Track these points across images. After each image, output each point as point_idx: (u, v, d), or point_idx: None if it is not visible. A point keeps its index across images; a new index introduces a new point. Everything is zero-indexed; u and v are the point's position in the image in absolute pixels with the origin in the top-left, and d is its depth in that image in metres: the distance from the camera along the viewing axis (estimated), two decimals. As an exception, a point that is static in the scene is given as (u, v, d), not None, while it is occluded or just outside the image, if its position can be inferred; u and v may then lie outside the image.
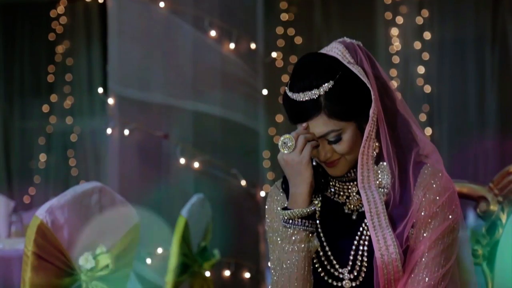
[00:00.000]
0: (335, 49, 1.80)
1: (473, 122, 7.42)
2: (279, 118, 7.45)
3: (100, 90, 5.01)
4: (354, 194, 1.83)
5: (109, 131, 4.70)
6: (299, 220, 1.77)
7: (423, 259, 1.75)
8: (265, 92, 4.83)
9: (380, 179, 1.79)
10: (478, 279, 1.95)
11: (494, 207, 2.22)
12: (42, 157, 8.11)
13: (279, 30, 7.64)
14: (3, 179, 7.99)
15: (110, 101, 4.68)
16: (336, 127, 1.75)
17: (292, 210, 1.77)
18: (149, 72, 4.58)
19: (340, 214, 1.84)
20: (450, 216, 1.77)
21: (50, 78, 8.11)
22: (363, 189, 1.77)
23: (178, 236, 3.79)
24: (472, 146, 7.41)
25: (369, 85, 1.76)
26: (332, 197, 1.86)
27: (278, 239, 1.82)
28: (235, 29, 4.61)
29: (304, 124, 1.76)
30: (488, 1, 7.37)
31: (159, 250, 4.42)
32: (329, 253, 1.81)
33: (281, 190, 1.88)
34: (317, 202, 1.85)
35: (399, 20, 7.52)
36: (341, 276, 1.80)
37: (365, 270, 1.78)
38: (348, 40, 1.84)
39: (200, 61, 4.56)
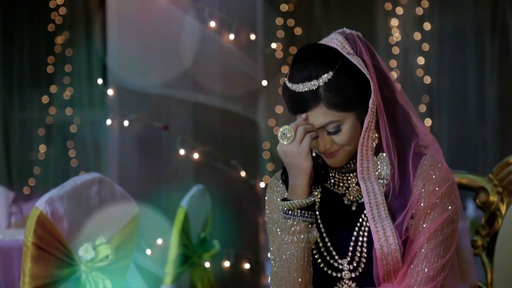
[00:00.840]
0: (334, 40, 1.80)
1: (472, 113, 7.43)
2: (279, 109, 7.45)
3: (100, 81, 5.00)
4: (354, 185, 1.83)
5: (108, 122, 4.70)
6: (299, 211, 1.77)
7: (423, 250, 1.75)
8: (264, 83, 4.82)
9: (379, 170, 1.79)
10: (477, 269, 1.95)
11: (493, 198, 2.22)
12: (42, 148, 8.11)
13: (279, 21, 7.63)
14: (2, 170, 7.99)
15: (110, 92, 4.68)
16: (336, 118, 1.74)
17: (291, 201, 1.77)
18: (148, 63, 4.58)
19: (339, 205, 1.84)
20: (450, 207, 1.77)
21: (50, 69, 8.11)
22: (363, 180, 1.77)
23: (178, 227, 3.79)
24: (471, 137, 7.42)
25: (368, 76, 1.76)
26: (331, 188, 1.86)
27: (278, 230, 1.82)
28: (235, 20, 4.60)
29: (304, 115, 1.76)
30: (488, -8, 7.36)
31: (159, 241, 4.42)
32: (329, 244, 1.81)
33: (280, 181, 1.88)
34: (316, 193, 1.85)
35: (399, 10, 7.51)
36: (340, 267, 1.80)
37: (364, 261, 1.78)
38: (347, 30, 1.84)
39: (200, 52, 4.55)
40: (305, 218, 1.78)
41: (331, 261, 1.81)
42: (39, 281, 2.25)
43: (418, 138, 1.82)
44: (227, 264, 4.58)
